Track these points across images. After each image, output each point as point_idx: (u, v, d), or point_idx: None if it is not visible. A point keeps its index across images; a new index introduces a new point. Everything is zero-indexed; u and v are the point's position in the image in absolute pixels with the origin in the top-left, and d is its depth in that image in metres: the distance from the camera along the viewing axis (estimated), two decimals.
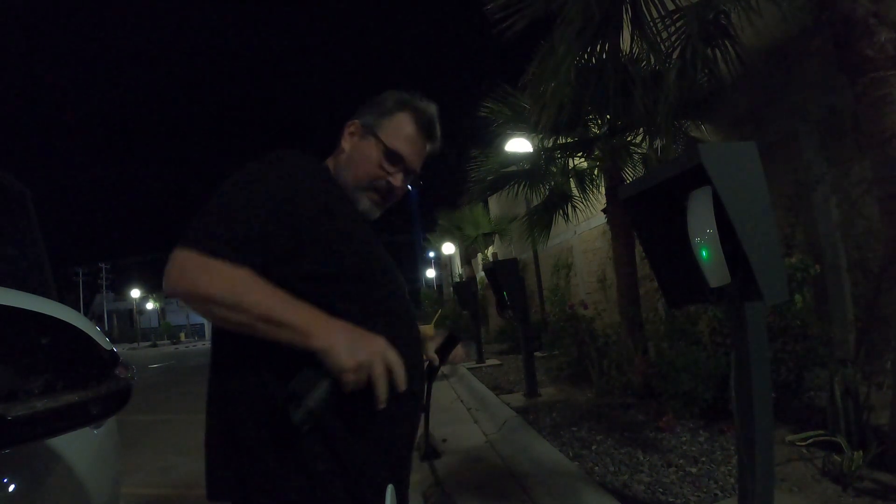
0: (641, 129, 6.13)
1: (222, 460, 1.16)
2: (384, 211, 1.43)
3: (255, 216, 1.10)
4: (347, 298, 1.19)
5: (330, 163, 1.41)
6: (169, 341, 47.10)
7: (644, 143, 6.45)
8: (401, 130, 1.37)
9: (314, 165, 1.32)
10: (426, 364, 1.51)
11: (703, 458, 3.64)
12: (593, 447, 4.16)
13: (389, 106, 1.39)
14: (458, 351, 1.62)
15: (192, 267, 1.03)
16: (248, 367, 1.14)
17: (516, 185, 7.77)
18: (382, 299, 1.26)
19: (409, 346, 1.25)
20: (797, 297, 4.11)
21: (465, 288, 12.64)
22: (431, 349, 1.56)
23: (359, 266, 1.23)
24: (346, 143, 1.39)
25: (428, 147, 1.44)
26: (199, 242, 1.05)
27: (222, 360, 1.20)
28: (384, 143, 1.35)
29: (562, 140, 6.77)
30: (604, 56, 5.20)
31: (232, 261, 1.04)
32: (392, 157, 1.36)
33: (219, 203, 1.12)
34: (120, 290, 62.03)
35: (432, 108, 1.41)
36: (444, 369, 1.69)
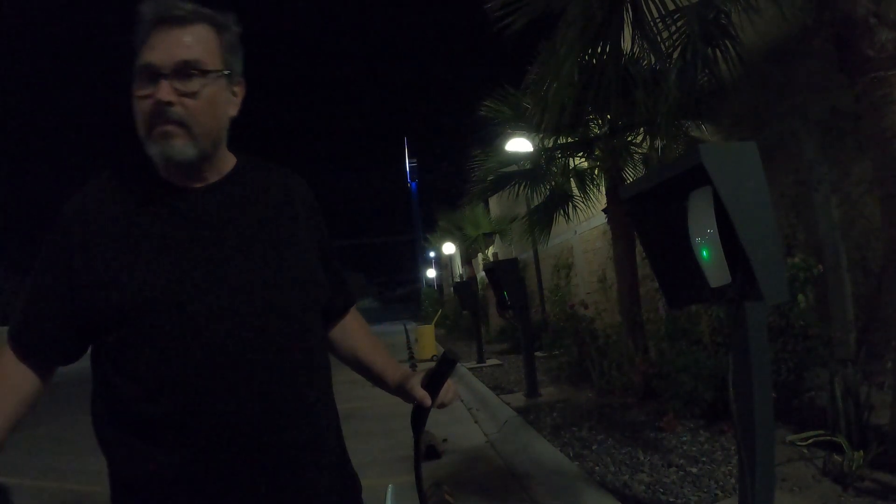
0: (642, 129, 6.13)
1: None
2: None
3: (40, 305, 1.08)
4: (131, 343, 1.02)
5: None
6: None
7: (645, 143, 6.45)
8: (142, 44, 1.04)
9: (111, 182, 1.12)
10: (413, 408, 1.25)
11: (704, 458, 3.64)
12: (594, 447, 4.16)
13: (141, 32, 1.05)
14: (451, 386, 1.25)
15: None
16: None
17: (517, 185, 7.78)
18: (184, 331, 1.01)
19: (243, 390, 1.03)
20: (800, 297, 4.10)
21: (466, 288, 12.65)
22: (417, 386, 1.24)
23: (143, 305, 1.01)
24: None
25: (186, 29, 1.04)
26: (9, 330, 1.10)
27: None
28: (134, 73, 1.04)
29: (562, 140, 6.77)
30: (605, 56, 5.20)
31: (21, 359, 1.08)
32: (143, 75, 1.03)
33: (22, 294, 1.13)
34: None
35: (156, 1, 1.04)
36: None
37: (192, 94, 1.03)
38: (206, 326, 1.01)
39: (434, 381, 1.22)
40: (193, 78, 1.03)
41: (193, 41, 1.04)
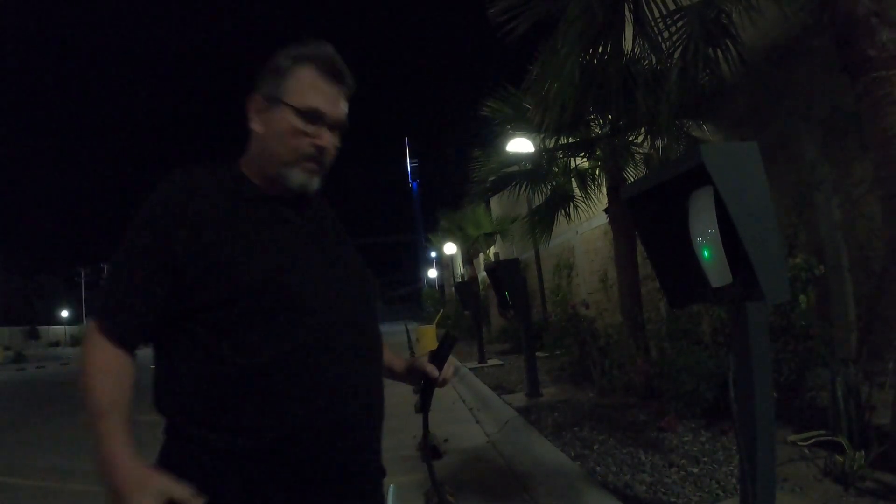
0: (643, 129, 6.13)
1: None
2: (323, 180, 1.28)
3: (134, 289, 1.13)
4: (251, 328, 1.10)
5: (245, 157, 1.26)
6: None
7: (646, 143, 6.45)
8: (307, 84, 1.20)
9: (203, 180, 1.20)
10: (420, 381, 1.43)
11: (705, 458, 3.64)
12: (595, 447, 4.16)
13: (285, 65, 1.21)
14: (452, 363, 1.45)
15: (89, 341, 1.13)
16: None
17: (518, 186, 7.78)
18: (301, 324, 1.12)
19: (348, 377, 1.16)
20: (801, 297, 4.10)
21: (467, 288, 12.66)
22: (426, 363, 1.42)
23: (263, 285, 1.11)
24: (256, 124, 1.22)
25: (342, 90, 1.25)
26: (98, 316, 1.14)
27: None
28: (295, 106, 1.18)
29: (564, 140, 6.77)
30: (606, 56, 5.20)
31: (116, 344, 1.13)
32: (309, 116, 1.19)
33: (108, 278, 1.17)
34: None
35: (328, 48, 1.22)
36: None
37: (335, 147, 1.25)
38: (314, 307, 1.14)
39: (438, 359, 1.41)
40: (339, 135, 1.26)
41: (345, 104, 1.26)
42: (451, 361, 1.44)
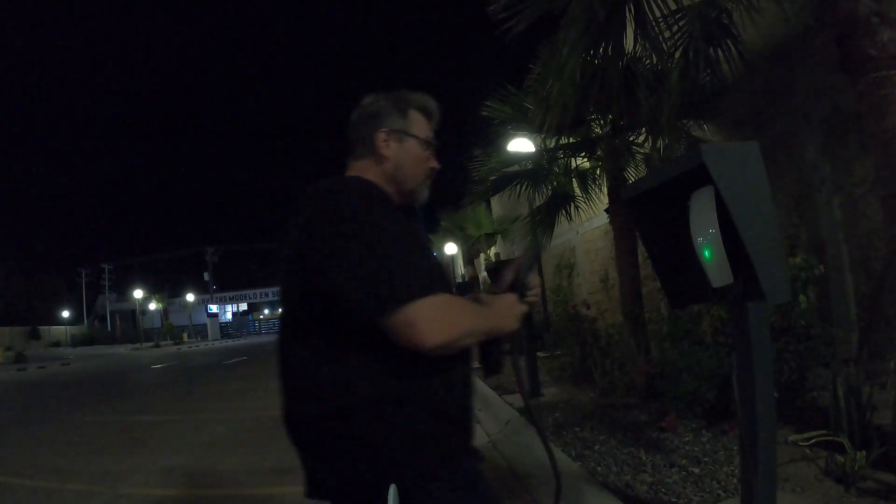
0: (644, 129, 6.13)
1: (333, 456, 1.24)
2: None
3: (409, 254, 1.24)
4: None
5: (368, 175, 1.44)
6: (172, 342, 47.06)
7: (647, 143, 6.45)
8: (422, 123, 1.52)
9: (375, 189, 1.35)
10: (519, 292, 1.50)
11: (706, 459, 3.64)
12: (596, 447, 4.16)
13: (402, 107, 1.50)
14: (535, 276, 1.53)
15: (434, 319, 1.17)
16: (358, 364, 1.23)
17: (519, 186, 7.77)
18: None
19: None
20: (801, 297, 4.10)
21: (468, 288, 12.64)
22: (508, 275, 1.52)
23: (433, 267, 1.34)
24: (387, 151, 1.47)
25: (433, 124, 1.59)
26: (414, 295, 1.16)
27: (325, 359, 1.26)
28: (421, 138, 1.50)
29: (564, 140, 6.76)
30: (607, 56, 5.19)
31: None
32: (429, 146, 1.52)
33: (377, 253, 1.19)
34: (123, 291, 62.11)
35: (423, 96, 1.55)
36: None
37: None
38: None
39: (522, 271, 1.49)
40: None
41: None
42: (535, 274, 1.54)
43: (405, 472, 1.19)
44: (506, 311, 1.37)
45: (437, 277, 1.28)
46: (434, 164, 1.55)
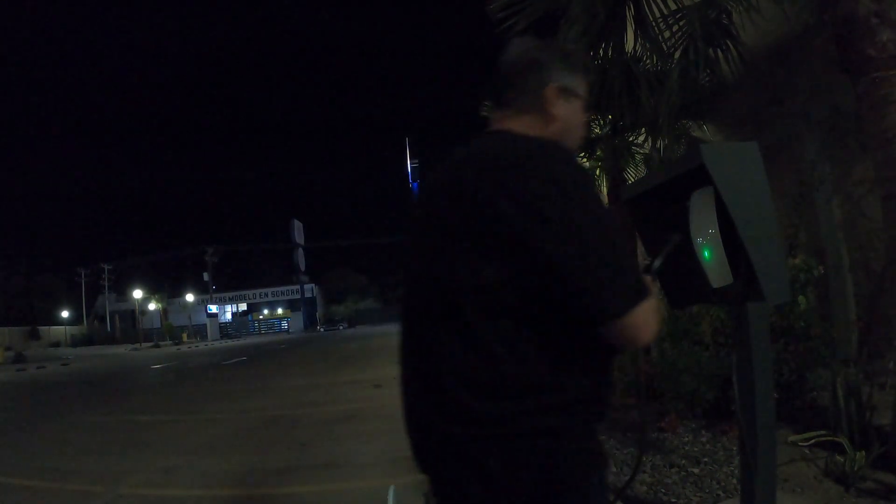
0: (644, 129, 6.13)
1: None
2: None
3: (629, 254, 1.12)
4: None
5: (533, 134, 1.23)
6: (171, 342, 47.07)
7: (646, 144, 6.45)
8: (583, 83, 1.33)
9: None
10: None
11: (706, 459, 3.64)
12: None
13: (571, 63, 1.31)
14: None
15: (652, 313, 1.10)
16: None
17: None
18: None
19: None
20: (801, 297, 4.10)
21: None
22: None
23: None
24: (557, 110, 1.26)
25: None
26: (644, 294, 1.08)
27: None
28: (585, 100, 1.33)
29: None
30: (608, 56, 5.20)
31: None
32: (587, 109, 1.37)
33: (618, 246, 1.08)
34: (122, 291, 62.15)
35: (584, 53, 1.45)
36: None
37: None
38: None
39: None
40: None
41: None
42: None
43: (590, 479, 1.11)
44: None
45: None
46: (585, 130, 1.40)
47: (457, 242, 1.09)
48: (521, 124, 1.24)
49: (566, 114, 1.27)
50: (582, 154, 7.05)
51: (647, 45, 5.01)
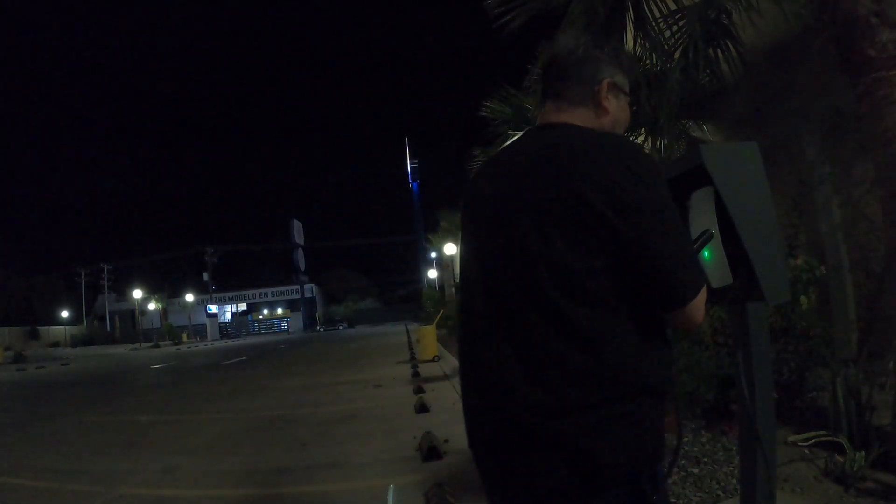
0: (644, 129, 6.13)
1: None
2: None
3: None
4: None
5: (588, 126, 1.31)
6: (171, 342, 47.04)
7: (646, 144, 6.44)
8: (626, 82, 1.40)
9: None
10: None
11: (705, 459, 3.64)
12: None
13: (620, 62, 1.38)
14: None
15: (703, 302, 1.18)
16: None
17: None
18: None
19: None
20: (802, 298, 4.10)
21: None
22: None
23: None
24: (609, 104, 1.34)
25: None
26: (703, 282, 1.18)
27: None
28: (629, 98, 1.40)
29: None
30: None
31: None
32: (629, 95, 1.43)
33: (685, 238, 1.21)
34: (122, 291, 62.14)
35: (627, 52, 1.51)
36: None
37: None
38: None
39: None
40: None
41: None
42: None
43: (653, 465, 1.16)
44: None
45: None
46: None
47: (544, 230, 1.13)
48: (576, 117, 1.31)
49: (616, 108, 1.35)
50: None
51: (647, 45, 5.01)
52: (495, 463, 1.22)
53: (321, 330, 61.92)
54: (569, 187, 1.11)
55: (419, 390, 8.19)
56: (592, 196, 1.09)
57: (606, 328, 1.11)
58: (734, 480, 3.22)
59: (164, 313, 58.97)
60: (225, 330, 63.42)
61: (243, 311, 71.39)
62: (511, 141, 1.36)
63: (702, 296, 1.16)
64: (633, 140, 1.26)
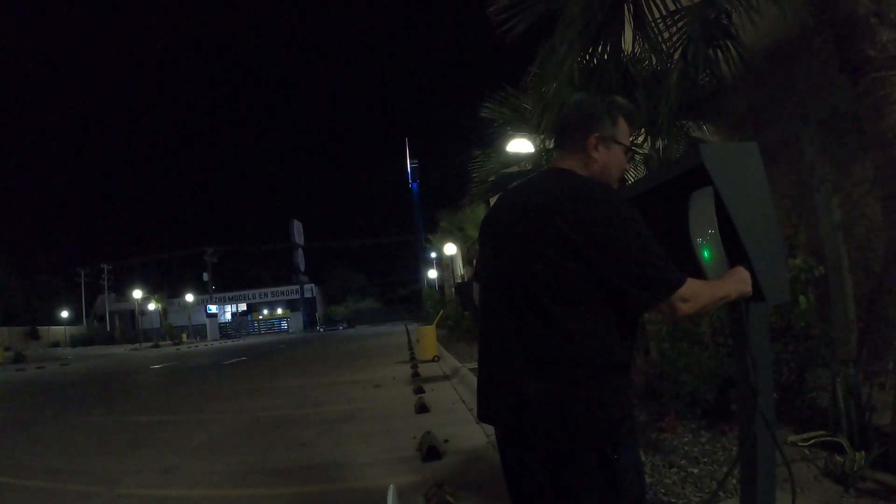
0: (643, 130, 6.13)
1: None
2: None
3: (660, 250, 1.47)
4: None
5: (577, 172, 1.63)
6: (171, 342, 47.00)
7: (646, 144, 6.44)
8: (626, 130, 1.69)
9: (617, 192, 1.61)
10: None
11: (705, 459, 3.64)
12: None
13: (614, 114, 1.66)
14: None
15: (689, 297, 1.44)
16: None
17: None
18: None
19: None
20: (802, 298, 4.10)
21: (467, 288, 12.63)
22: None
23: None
24: (598, 155, 1.64)
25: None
26: (677, 284, 1.43)
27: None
28: (626, 146, 1.68)
29: None
30: (605, 56, 5.19)
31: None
32: (628, 152, 1.71)
33: (649, 255, 1.44)
34: (122, 291, 62.07)
35: (629, 104, 1.73)
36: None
37: None
38: None
39: None
40: None
41: None
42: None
43: (619, 428, 1.45)
44: (739, 278, 1.61)
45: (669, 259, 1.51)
46: (627, 167, 1.75)
47: (537, 251, 1.49)
48: (572, 163, 1.65)
49: (603, 157, 1.64)
50: None
51: (646, 45, 5.01)
52: (499, 434, 1.62)
53: (321, 330, 61.84)
54: (554, 224, 1.46)
55: (419, 390, 8.20)
56: (572, 233, 1.43)
57: (580, 322, 1.46)
58: (734, 480, 3.21)
59: (163, 313, 58.94)
60: (225, 330, 63.41)
61: (243, 312, 71.34)
62: (528, 178, 1.72)
63: (687, 290, 1.43)
64: (609, 187, 1.60)
